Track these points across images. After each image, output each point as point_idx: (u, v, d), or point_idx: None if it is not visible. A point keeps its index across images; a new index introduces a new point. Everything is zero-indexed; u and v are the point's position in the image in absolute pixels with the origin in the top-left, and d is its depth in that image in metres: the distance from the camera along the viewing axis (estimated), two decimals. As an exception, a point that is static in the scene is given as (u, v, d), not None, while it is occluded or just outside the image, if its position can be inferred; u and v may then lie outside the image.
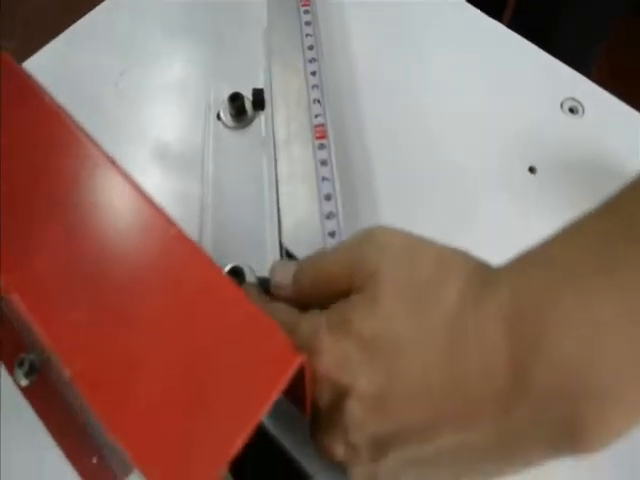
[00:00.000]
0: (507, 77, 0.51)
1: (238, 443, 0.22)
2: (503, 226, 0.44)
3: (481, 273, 0.26)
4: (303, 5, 0.47)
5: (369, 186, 0.44)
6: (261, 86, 0.47)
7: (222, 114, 0.47)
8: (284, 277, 0.31)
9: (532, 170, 0.46)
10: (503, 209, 0.44)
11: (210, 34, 0.53)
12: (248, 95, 0.47)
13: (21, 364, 0.35)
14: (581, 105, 0.49)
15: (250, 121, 0.47)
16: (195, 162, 0.46)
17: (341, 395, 0.26)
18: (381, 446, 0.26)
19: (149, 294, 0.24)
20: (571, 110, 0.49)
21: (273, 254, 0.39)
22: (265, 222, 0.41)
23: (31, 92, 0.30)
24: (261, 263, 0.39)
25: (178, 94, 0.50)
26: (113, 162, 0.28)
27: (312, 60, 0.43)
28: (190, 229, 0.41)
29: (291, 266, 0.31)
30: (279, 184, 0.38)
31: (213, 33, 0.53)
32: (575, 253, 0.24)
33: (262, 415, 0.22)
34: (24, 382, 0.35)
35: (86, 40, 0.53)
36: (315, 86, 0.42)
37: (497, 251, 0.42)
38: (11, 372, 0.35)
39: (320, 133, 0.39)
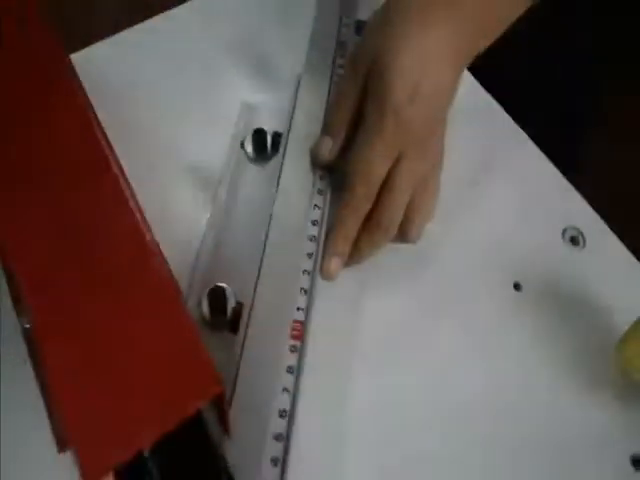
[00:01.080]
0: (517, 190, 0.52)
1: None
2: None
3: None
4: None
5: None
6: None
7: (245, 144, 0.49)
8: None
9: (517, 287, 0.47)
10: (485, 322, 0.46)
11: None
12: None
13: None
14: (583, 238, 0.50)
15: (270, 157, 0.49)
16: (211, 180, 0.50)
17: None
18: None
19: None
20: (572, 240, 0.50)
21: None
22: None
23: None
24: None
25: (208, 114, 0.54)
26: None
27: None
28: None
29: None
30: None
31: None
32: None
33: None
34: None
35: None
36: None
37: (474, 361, 0.43)
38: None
39: (297, 331, 0.42)
